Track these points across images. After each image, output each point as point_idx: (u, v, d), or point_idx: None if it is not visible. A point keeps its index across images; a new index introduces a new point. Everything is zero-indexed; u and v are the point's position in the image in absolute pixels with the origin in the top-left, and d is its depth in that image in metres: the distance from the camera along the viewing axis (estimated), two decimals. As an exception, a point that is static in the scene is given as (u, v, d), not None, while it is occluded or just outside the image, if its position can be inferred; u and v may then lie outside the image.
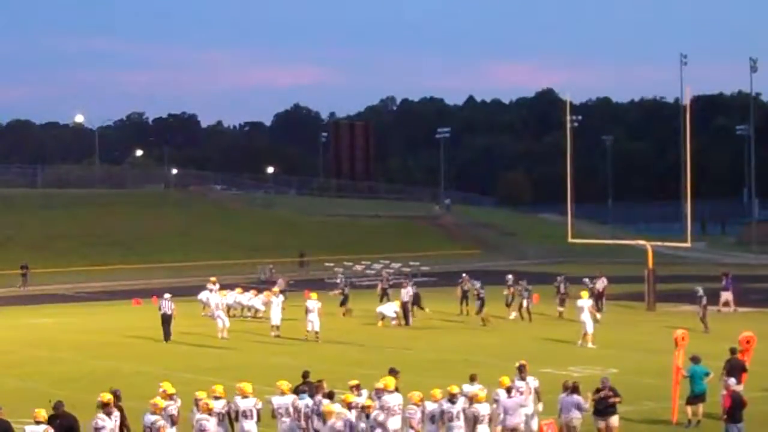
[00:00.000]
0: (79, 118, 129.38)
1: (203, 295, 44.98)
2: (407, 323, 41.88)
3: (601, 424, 20.53)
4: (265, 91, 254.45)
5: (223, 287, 46.83)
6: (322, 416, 18.55)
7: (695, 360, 23.31)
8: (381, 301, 45.74)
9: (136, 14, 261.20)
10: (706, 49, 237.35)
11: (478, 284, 44.48)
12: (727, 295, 44.75)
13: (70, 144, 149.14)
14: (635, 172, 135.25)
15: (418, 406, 18.77)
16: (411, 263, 67.15)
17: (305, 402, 19.19)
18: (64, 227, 79.30)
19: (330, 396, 19.30)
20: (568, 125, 53.03)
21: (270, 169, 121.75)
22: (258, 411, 19.10)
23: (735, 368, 23.29)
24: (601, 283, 44.93)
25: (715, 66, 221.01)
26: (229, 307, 45.36)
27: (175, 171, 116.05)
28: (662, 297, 46.86)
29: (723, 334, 32.89)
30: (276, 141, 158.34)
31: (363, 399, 19.05)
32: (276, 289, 43.18)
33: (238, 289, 46.64)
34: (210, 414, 18.49)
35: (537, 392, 21.02)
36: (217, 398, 18.95)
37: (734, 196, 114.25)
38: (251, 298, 45.42)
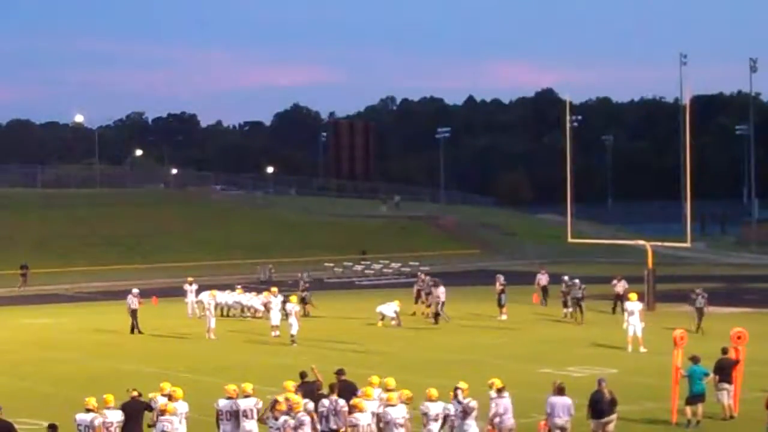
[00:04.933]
0: (79, 118, 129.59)
1: (202, 296, 45.03)
2: (436, 322, 41.79)
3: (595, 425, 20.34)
4: (265, 91, 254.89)
5: (223, 287, 46.99)
6: (351, 409, 18.40)
7: (694, 360, 23.30)
8: (416, 302, 45.61)
9: (136, 14, 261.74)
10: (706, 49, 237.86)
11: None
12: None
13: (70, 144, 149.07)
14: (635, 172, 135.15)
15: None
16: (411, 263, 67.09)
17: (322, 402, 19.18)
18: (64, 227, 79.24)
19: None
20: (568, 125, 53.10)
21: (270, 169, 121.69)
22: (258, 410, 19.14)
23: (723, 368, 23.35)
24: (621, 286, 44.02)
25: (715, 66, 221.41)
26: (229, 307, 45.58)
27: (175, 171, 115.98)
28: (662, 297, 46.79)
29: (723, 334, 32.83)
30: (276, 141, 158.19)
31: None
32: (275, 289, 43.17)
33: (239, 289, 46.68)
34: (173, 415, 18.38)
35: (468, 413, 18.78)
36: (229, 398, 19.14)
37: (734, 196, 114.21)
38: (251, 299, 45.45)
